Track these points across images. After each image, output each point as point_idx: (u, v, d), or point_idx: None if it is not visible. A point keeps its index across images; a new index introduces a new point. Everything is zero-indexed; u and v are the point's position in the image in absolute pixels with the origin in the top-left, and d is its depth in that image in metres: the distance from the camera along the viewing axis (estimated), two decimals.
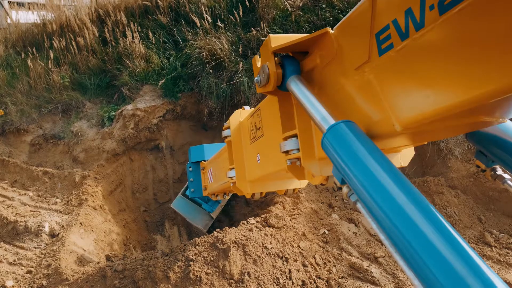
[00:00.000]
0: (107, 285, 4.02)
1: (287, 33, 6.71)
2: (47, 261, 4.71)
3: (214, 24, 7.51)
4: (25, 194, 6.49)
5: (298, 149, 1.98)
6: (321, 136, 1.54)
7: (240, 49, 6.98)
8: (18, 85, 8.24)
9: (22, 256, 4.94)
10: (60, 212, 5.91)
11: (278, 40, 1.91)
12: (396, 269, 4.45)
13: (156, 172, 7.32)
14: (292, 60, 1.92)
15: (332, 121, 1.52)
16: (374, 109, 1.55)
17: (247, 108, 3.19)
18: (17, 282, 4.47)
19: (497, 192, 5.53)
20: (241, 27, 7.30)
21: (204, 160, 4.69)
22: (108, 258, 4.62)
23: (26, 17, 9.94)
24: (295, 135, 2.01)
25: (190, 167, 4.80)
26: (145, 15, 8.60)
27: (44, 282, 4.31)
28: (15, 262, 4.83)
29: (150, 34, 8.03)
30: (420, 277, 1.05)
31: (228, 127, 3.18)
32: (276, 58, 1.92)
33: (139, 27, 8.21)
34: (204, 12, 7.57)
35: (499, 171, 1.85)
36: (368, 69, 1.48)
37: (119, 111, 7.43)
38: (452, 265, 0.98)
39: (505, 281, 4.29)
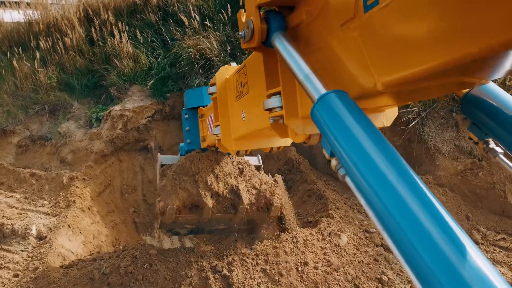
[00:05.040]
0: (95, 287, 3.98)
1: None
2: (34, 264, 4.65)
3: (202, 24, 7.47)
4: (11, 196, 6.40)
5: (281, 107, 1.95)
6: (305, 94, 1.52)
7: (229, 48, 6.96)
8: (4, 86, 8.13)
9: (9, 260, 4.87)
10: (48, 214, 5.84)
11: None
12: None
13: (145, 173, 7.27)
14: (277, 15, 1.85)
15: (323, 90, 1.45)
16: (357, 67, 1.53)
17: (233, 64, 3.11)
18: (4, 286, 4.41)
19: (484, 190, 5.59)
20: (229, 26, 7.28)
21: (203, 106, 4.08)
22: (96, 260, 4.58)
23: (11, 16, 9.79)
24: (279, 93, 1.97)
25: (186, 114, 4.22)
26: (133, 15, 8.53)
27: (31, 286, 4.25)
28: (1, 266, 4.76)
29: (138, 33, 7.96)
30: (406, 257, 1.03)
31: (214, 84, 3.08)
32: (261, 13, 1.86)
33: (127, 26, 8.15)
34: (192, 11, 7.53)
35: (492, 145, 1.84)
36: (353, 26, 1.45)
37: (107, 111, 7.36)
38: (440, 247, 0.97)
39: None
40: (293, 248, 4.40)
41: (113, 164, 7.11)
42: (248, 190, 4.14)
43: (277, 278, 4.02)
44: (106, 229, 5.99)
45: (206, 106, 4.00)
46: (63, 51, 8.28)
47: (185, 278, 3.96)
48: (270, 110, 2.00)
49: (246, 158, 4.44)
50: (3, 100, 7.92)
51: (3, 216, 5.68)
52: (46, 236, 5.24)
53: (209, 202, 3.90)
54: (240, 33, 2.00)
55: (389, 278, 4.33)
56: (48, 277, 4.26)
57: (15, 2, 10.28)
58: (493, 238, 5.03)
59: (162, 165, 4.58)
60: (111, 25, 8.25)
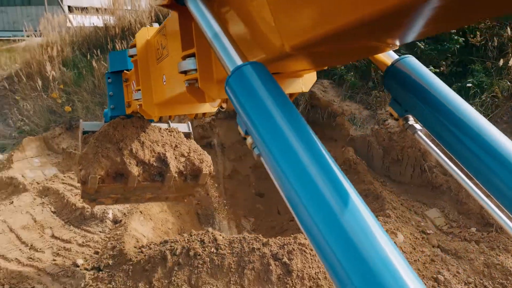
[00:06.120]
0: (167, 266, 4.40)
1: None
2: (112, 243, 5.17)
3: None
4: None
5: (196, 70, 1.85)
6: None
7: None
8: (84, 84, 8.95)
9: (90, 239, 5.45)
10: None
11: None
12: None
13: None
14: None
15: (238, 61, 1.34)
16: (267, 28, 1.45)
17: (155, 25, 2.95)
18: (86, 261, 4.95)
19: None
20: None
21: (128, 70, 3.78)
22: (167, 242, 5.01)
23: (90, 21, 10.70)
24: (193, 54, 1.85)
25: (109, 78, 3.88)
26: None
27: (110, 262, 4.75)
28: (83, 244, 5.34)
29: None
30: (314, 241, 1.02)
31: (134, 45, 2.90)
32: None
33: None
34: None
35: (411, 121, 1.81)
36: None
37: None
38: (353, 241, 0.92)
39: None
40: None
41: None
42: (176, 158, 3.97)
43: None
44: (172, 218, 6.47)
45: (131, 69, 3.73)
46: None
47: (248, 263, 4.27)
48: (185, 72, 1.89)
49: (175, 125, 4.26)
50: (83, 97, 8.71)
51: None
52: (121, 220, 5.79)
53: (135, 170, 3.73)
54: None
55: (445, 278, 4.40)
56: (125, 254, 4.74)
57: (90, 8, 11.23)
58: None
59: (84, 132, 4.26)
60: None
